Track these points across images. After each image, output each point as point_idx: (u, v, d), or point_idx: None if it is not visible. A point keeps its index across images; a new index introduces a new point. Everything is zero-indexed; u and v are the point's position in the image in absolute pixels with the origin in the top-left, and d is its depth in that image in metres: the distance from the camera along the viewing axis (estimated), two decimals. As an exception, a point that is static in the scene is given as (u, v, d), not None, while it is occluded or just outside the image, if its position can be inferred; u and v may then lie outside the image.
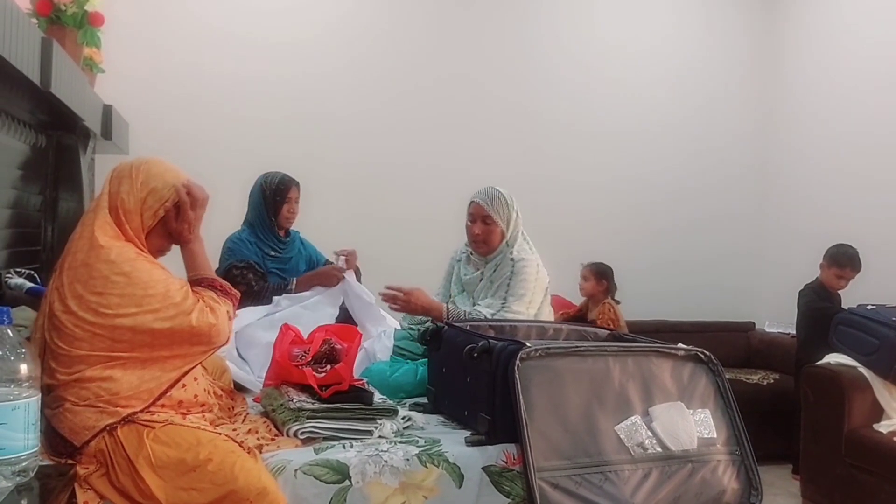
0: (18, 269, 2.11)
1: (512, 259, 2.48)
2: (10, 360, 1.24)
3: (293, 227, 2.97)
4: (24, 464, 1.24)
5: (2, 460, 1.21)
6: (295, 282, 2.74)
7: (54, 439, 1.54)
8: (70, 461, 1.50)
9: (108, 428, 1.52)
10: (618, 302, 3.91)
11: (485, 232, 2.48)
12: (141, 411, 1.55)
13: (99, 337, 1.52)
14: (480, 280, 2.52)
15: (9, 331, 1.26)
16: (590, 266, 3.96)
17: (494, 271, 2.50)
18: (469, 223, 2.53)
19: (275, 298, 2.57)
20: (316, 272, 2.77)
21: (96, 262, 1.54)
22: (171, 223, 1.70)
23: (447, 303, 2.53)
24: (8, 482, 1.22)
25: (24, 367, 1.25)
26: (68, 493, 1.36)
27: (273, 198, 2.83)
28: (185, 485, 1.46)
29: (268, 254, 2.83)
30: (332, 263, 3.01)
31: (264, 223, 2.84)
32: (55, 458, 1.53)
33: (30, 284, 2.05)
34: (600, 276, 3.90)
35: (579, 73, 4.47)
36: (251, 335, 2.43)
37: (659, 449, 1.83)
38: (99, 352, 1.53)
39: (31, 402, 1.25)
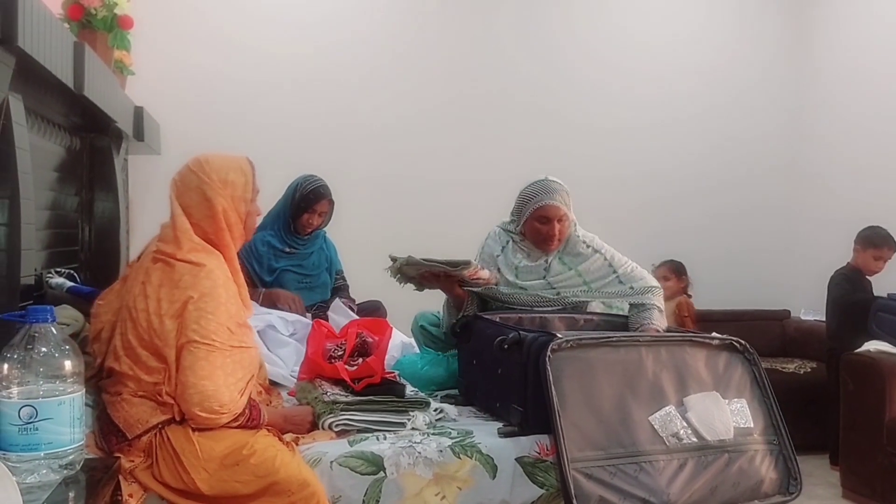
0: (59, 269, 2.16)
1: (588, 245, 2.39)
2: (54, 357, 1.27)
3: None
4: (70, 457, 1.27)
5: (49, 454, 1.24)
6: (263, 294, 2.70)
7: (107, 428, 1.58)
8: (116, 454, 1.54)
9: (160, 425, 1.56)
10: (689, 295, 3.97)
11: (562, 231, 2.35)
12: None
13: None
14: (545, 269, 2.39)
15: (53, 328, 1.29)
16: (668, 265, 4.00)
17: (563, 255, 2.40)
18: (539, 225, 2.35)
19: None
20: (285, 297, 2.72)
21: (193, 279, 1.59)
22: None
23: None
24: (56, 475, 1.25)
25: (68, 364, 1.28)
26: (113, 485, 1.40)
27: (299, 203, 2.80)
28: (227, 477, 1.50)
29: (282, 250, 2.82)
30: (342, 275, 3.03)
31: (284, 220, 2.83)
32: (101, 451, 1.57)
33: (70, 283, 2.08)
34: (680, 273, 3.97)
35: (603, 70, 4.40)
36: (277, 336, 2.46)
37: (694, 439, 1.82)
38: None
39: (75, 397, 1.28)
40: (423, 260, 2.23)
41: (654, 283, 2.39)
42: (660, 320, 2.29)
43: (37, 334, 1.27)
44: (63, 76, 1.79)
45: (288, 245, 2.83)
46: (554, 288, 2.35)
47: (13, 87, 1.60)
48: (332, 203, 2.87)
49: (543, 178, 2.42)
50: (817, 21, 4.65)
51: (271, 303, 2.70)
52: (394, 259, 2.30)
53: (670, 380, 1.88)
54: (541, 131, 4.29)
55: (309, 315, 2.72)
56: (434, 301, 2.64)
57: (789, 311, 4.51)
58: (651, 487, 1.72)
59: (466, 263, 2.22)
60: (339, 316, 2.67)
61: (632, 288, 2.34)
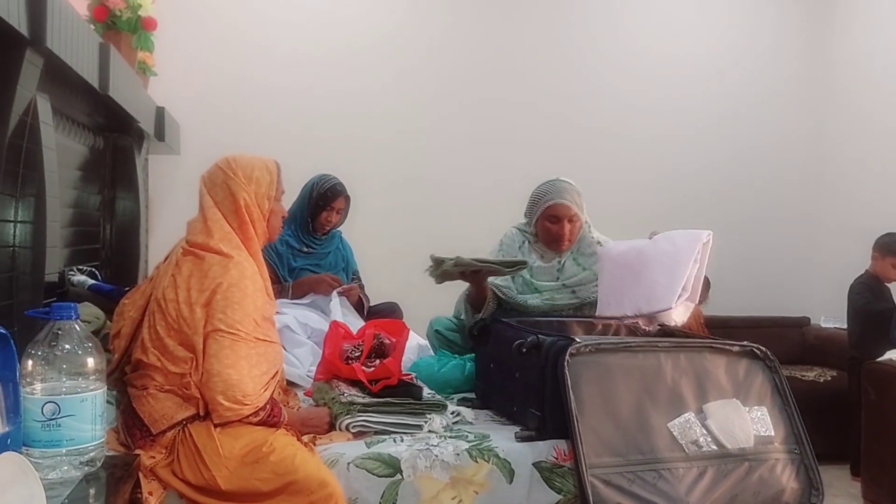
0: (80, 267, 2.18)
1: (598, 242, 2.41)
2: (78, 354, 1.28)
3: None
4: (91, 454, 1.28)
5: (71, 450, 1.25)
6: (292, 285, 2.75)
7: (131, 422, 1.59)
8: (137, 451, 1.55)
9: (185, 421, 1.57)
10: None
11: (572, 231, 2.37)
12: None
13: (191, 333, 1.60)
14: (559, 270, 2.41)
15: (76, 325, 1.30)
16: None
17: (577, 255, 2.40)
18: (549, 224, 2.39)
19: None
20: (310, 279, 2.77)
21: (222, 269, 1.62)
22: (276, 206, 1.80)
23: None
24: (77, 471, 1.26)
25: (91, 361, 1.30)
26: (133, 482, 1.40)
27: (317, 201, 2.82)
28: (247, 475, 1.51)
29: (300, 250, 2.84)
30: (358, 276, 3.04)
31: (301, 220, 2.85)
32: (123, 447, 1.58)
33: (91, 281, 2.11)
34: (705, 288, 3.96)
35: (623, 77, 4.36)
36: (293, 336, 2.47)
37: (714, 447, 1.80)
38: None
39: (97, 394, 1.29)
40: (475, 260, 2.18)
41: None
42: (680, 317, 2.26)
43: (60, 331, 1.28)
44: (89, 77, 1.82)
45: (305, 245, 2.86)
46: (569, 287, 2.35)
47: (40, 87, 1.63)
48: (348, 200, 2.89)
49: (555, 179, 2.43)
50: (838, 29, 4.60)
51: (304, 292, 2.71)
52: (438, 260, 2.22)
53: (689, 386, 1.86)
54: (559, 136, 4.27)
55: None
56: (449, 305, 2.63)
57: (809, 318, 4.46)
58: (670, 495, 1.70)
59: (523, 264, 2.18)
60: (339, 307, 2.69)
61: None
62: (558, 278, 2.41)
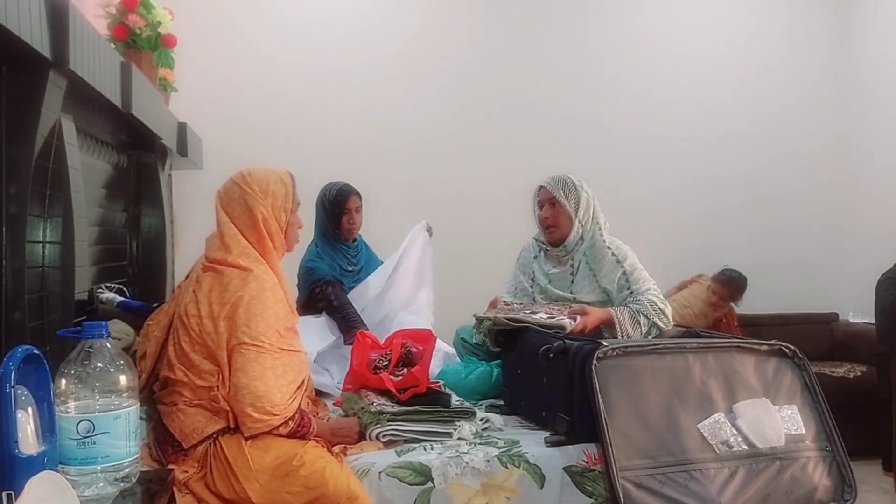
0: (108, 284, 2.20)
1: (608, 248, 2.34)
2: (110, 372, 1.30)
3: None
4: (126, 470, 1.30)
5: (106, 467, 1.26)
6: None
7: (163, 438, 1.61)
8: (171, 466, 1.57)
9: (215, 434, 1.58)
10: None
11: (553, 215, 2.36)
12: None
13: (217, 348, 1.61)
14: (572, 274, 2.38)
15: (108, 344, 1.32)
16: (721, 284, 3.92)
17: (590, 261, 2.36)
18: (539, 210, 2.42)
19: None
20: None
21: (241, 282, 1.64)
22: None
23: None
24: (112, 488, 1.27)
25: (123, 378, 1.31)
26: (168, 496, 1.42)
27: (332, 210, 2.79)
28: (278, 488, 1.52)
29: (345, 269, 2.82)
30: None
31: (331, 235, 2.82)
32: (156, 462, 1.60)
33: (120, 298, 2.13)
34: (723, 297, 3.91)
35: (650, 81, 4.35)
36: (327, 352, 2.48)
37: (745, 446, 1.79)
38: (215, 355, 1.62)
39: (130, 411, 1.31)
40: (509, 320, 2.15)
41: (663, 305, 2.28)
42: (627, 322, 2.21)
43: (92, 350, 1.30)
44: (111, 96, 1.84)
45: (348, 262, 2.84)
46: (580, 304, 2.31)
47: (64, 108, 1.65)
48: (360, 196, 2.86)
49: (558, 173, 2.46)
50: (866, 34, 4.53)
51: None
52: (480, 319, 2.26)
53: (718, 387, 1.85)
54: (583, 142, 4.23)
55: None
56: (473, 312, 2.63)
57: (837, 314, 4.40)
58: (702, 496, 1.69)
59: (561, 328, 2.09)
60: None
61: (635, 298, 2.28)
62: (573, 282, 2.39)
